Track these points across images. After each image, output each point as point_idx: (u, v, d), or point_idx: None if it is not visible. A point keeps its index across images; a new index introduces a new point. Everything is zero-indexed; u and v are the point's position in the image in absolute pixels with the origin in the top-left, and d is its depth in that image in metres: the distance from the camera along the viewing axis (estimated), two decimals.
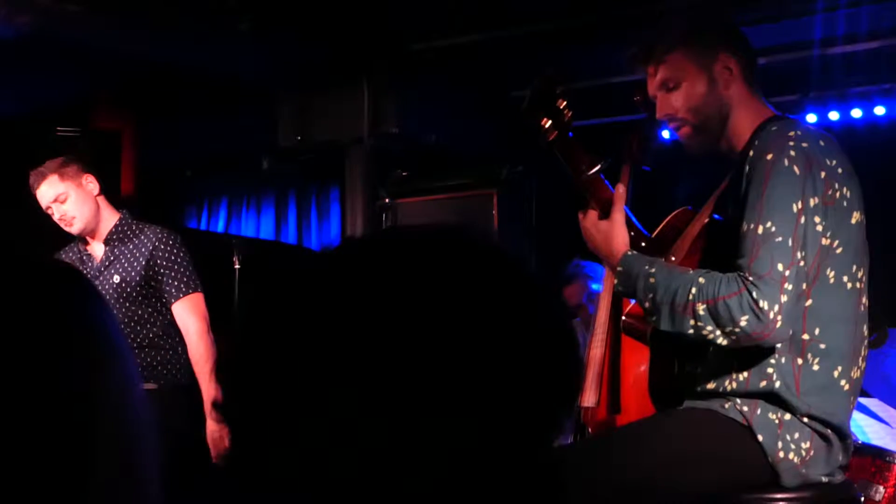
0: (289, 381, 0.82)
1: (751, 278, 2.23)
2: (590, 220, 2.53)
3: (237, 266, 4.77)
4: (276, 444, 0.82)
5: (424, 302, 0.82)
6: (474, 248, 0.88)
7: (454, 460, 0.80)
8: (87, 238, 4.09)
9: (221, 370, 0.89)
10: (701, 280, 2.28)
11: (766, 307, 2.21)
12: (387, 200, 6.33)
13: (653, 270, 2.37)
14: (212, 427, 3.90)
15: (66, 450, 0.87)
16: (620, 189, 2.52)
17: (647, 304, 2.38)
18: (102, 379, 0.91)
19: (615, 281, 2.49)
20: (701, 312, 2.26)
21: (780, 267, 2.23)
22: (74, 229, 4.01)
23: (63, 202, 3.98)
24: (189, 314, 4.01)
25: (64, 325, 0.91)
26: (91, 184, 4.03)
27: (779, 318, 2.22)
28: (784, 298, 2.23)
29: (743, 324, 2.22)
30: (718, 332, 2.26)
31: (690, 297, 2.27)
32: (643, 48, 2.56)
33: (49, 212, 4.02)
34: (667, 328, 2.35)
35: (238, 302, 4.76)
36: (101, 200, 4.07)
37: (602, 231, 2.50)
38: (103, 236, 4.05)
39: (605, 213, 2.51)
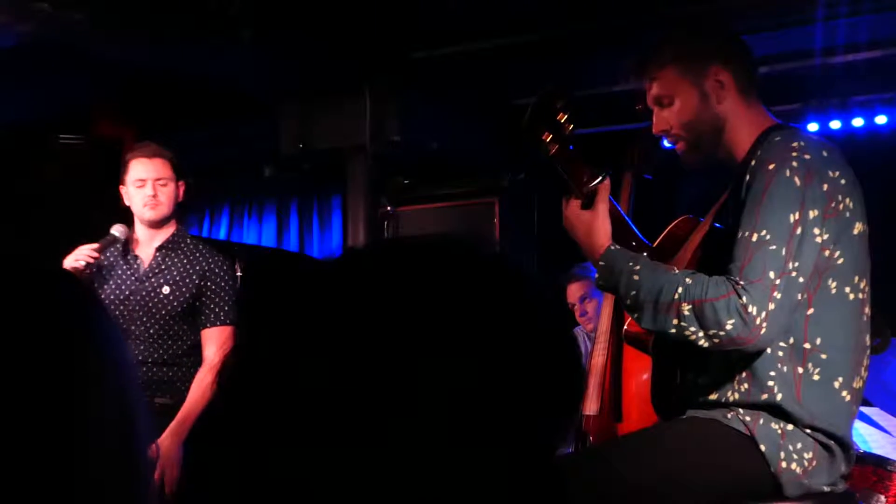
0: (291, 393, 0.82)
1: (741, 282, 2.23)
2: (572, 209, 2.50)
3: (239, 273, 4.78)
4: (273, 456, 0.82)
5: (427, 312, 0.82)
6: (476, 258, 0.88)
7: (457, 468, 0.80)
8: (137, 239, 4.05)
9: (222, 379, 0.89)
10: (688, 280, 2.27)
11: (753, 312, 2.21)
12: (388, 208, 6.35)
13: (637, 267, 2.36)
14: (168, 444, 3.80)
15: (56, 455, 0.87)
16: (607, 181, 2.50)
17: (628, 302, 2.37)
18: (98, 385, 0.92)
19: (596, 276, 2.48)
20: (686, 313, 2.25)
21: (771, 275, 2.23)
22: (154, 214, 3.98)
23: (164, 186, 3.98)
24: (215, 344, 3.95)
25: (60, 332, 0.91)
26: (180, 191, 4.04)
27: (764, 324, 2.22)
28: (772, 306, 2.23)
29: (728, 327, 2.22)
30: (701, 334, 2.25)
31: (676, 296, 2.27)
32: (637, 64, 2.57)
33: (137, 185, 3.97)
34: (648, 326, 2.35)
35: (240, 309, 4.76)
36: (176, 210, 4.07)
37: (584, 222, 2.48)
38: (157, 243, 4.02)
39: (590, 204, 2.50)
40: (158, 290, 3.95)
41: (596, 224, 2.46)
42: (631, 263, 2.37)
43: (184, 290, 3.95)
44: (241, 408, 0.85)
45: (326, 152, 6.17)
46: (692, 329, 2.25)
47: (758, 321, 2.21)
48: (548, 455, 0.86)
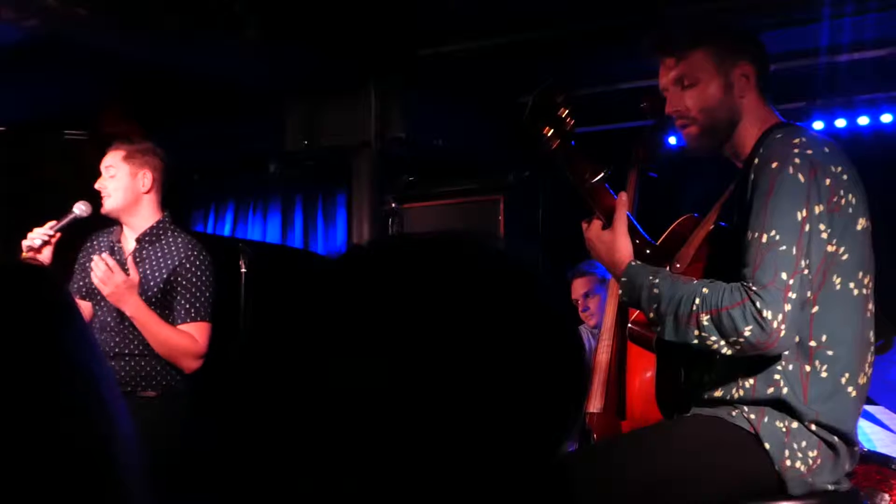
0: (295, 388, 0.82)
1: (754, 288, 2.23)
2: (593, 230, 2.53)
3: (243, 270, 4.77)
4: (273, 451, 0.82)
5: (431, 308, 0.82)
6: (481, 254, 0.88)
7: (461, 465, 0.80)
8: (123, 227, 4.04)
9: (226, 377, 0.89)
10: (704, 290, 2.28)
11: (769, 317, 2.21)
12: (393, 205, 6.34)
13: (656, 281, 2.37)
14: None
15: (35, 454, 0.87)
16: (623, 197, 2.52)
17: (651, 315, 2.38)
18: (62, 386, 0.91)
19: (619, 291, 2.50)
20: (705, 323, 2.26)
21: (783, 276, 2.23)
22: (104, 206, 3.99)
23: (111, 177, 3.98)
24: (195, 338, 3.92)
25: (21, 334, 0.91)
26: (145, 180, 3.99)
27: (782, 327, 2.22)
28: (788, 307, 2.23)
29: (747, 334, 2.22)
30: (723, 343, 2.26)
31: (694, 307, 2.27)
32: (666, 37, 2.54)
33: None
34: (671, 338, 2.35)
35: (244, 305, 4.76)
36: (150, 198, 4.02)
37: (605, 241, 2.50)
38: (138, 233, 4.00)
39: (609, 223, 2.51)
40: None
41: (616, 242, 2.48)
42: (651, 277, 2.38)
43: (151, 283, 3.91)
44: (245, 403, 0.85)
45: (331, 149, 6.16)
46: (713, 338, 2.26)
47: (775, 325, 2.21)
48: (552, 451, 0.86)
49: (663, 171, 3.57)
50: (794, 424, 2.33)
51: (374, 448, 0.80)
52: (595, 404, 3.54)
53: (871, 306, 2.43)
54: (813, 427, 2.33)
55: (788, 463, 2.32)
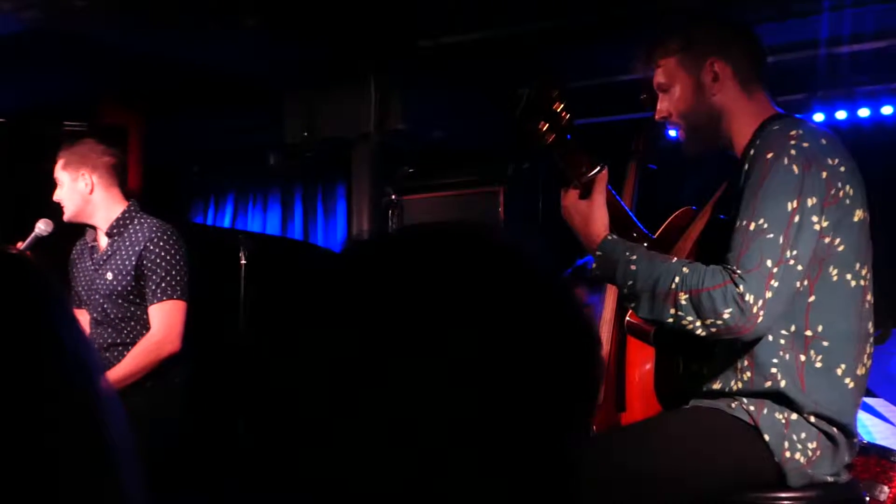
0: (299, 383, 0.82)
1: (738, 271, 2.23)
2: (569, 199, 2.51)
3: (243, 261, 4.77)
4: (276, 441, 0.82)
5: (440, 301, 0.82)
6: (489, 245, 0.87)
7: (472, 457, 0.80)
8: (95, 227, 4.08)
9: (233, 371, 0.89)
10: (685, 270, 2.28)
11: (750, 301, 2.21)
12: (393, 197, 6.34)
13: (634, 257, 2.37)
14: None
15: (26, 443, 0.86)
16: (604, 172, 2.50)
17: (625, 291, 2.38)
18: (50, 376, 0.91)
19: (593, 265, 2.48)
20: (683, 302, 2.26)
21: (768, 263, 2.23)
22: (64, 216, 4.05)
23: (60, 187, 4.04)
24: (159, 321, 3.91)
25: (10, 318, 0.91)
26: (84, 181, 4.01)
27: (761, 313, 2.22)
28: (769, 294, 2.23)
29: (726, 316, 2.22)
30: (699, 323, 2.25)
31: (673, 286, 2.27)
32: (644, 51, 2.58)
33: None
34: (645, 316, 2.35)
35: (244, 297, 4.76)
36: (101, 196, 4.03)
37: (581, 212, 2.48)
38: (105, 228, 4.04)
39: (588, 193, 2.50)
40: (105, 276, 3.98)
41: (593, 213, 2.46)
42: (628, 253, 2.38)
43: (124, 272, 3.94)
44: (248, 395, 0.85)
45: (331, 141, 6.16)
46: (689, 318, 2.26)
47: (755, 310, 2.21)
48: (565, 444, 0.85)
49: (663, 163, 3.56)
50: (794, 416, 2.34)
51: (378, 437, 0.80)
52: None
53: (869, 297, 2.43)
54: (812, 419, 2.34)
55: (788, 454, 2.32)
